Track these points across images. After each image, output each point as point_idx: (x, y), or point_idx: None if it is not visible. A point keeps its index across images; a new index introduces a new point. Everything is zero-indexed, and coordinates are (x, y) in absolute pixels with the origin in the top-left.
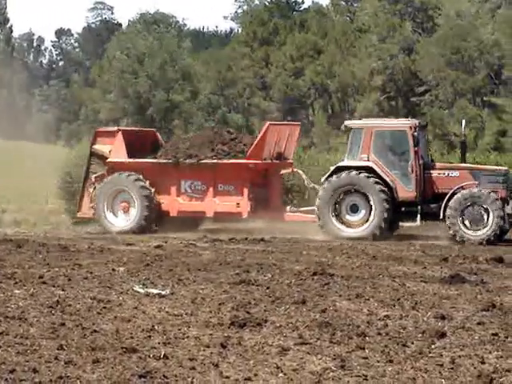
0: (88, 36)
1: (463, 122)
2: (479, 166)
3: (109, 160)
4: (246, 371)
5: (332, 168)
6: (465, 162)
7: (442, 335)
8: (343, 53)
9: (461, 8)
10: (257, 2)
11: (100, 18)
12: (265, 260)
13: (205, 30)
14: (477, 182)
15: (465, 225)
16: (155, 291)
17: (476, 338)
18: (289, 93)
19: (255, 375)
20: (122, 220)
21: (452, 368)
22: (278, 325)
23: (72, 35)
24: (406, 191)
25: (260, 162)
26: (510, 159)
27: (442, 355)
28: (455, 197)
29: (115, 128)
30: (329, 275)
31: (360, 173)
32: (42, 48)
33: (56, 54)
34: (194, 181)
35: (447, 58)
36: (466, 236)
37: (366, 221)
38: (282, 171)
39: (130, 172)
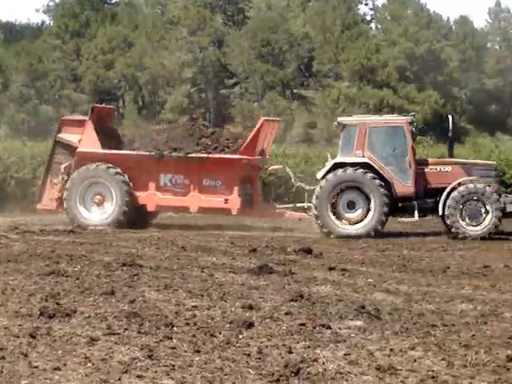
0: None
1: (450, 117)
2: (470, 160)
3: (79, 150)
4: (55, 361)
5: (329, 165)
6: (452, 157)
7: (250, 325)
8: (154, 45)
9: (271, 1)
10: None
11: None
12: (75, 251)
13: (17, 22)
14: (474, 178)
15: (464, 220)
16: None
17: (283, 327)
18: (99, 85)
19: (64, 365)
20: (96, 214)
21: (259, 358)
22: (87, 315)
23: None
24: (404, 186)
25: (253, 157)
26: (318, 151)
27: (249, 345)
28: (455, 192)
29: (84, 117)
30: (138, 266)
31: (358, 169)
32: None
33: None
34: (175, 175)
35: (257, 50)
36: (465, 231)
37: (365, 217)
38: (272, 167)
39: (106, 163)
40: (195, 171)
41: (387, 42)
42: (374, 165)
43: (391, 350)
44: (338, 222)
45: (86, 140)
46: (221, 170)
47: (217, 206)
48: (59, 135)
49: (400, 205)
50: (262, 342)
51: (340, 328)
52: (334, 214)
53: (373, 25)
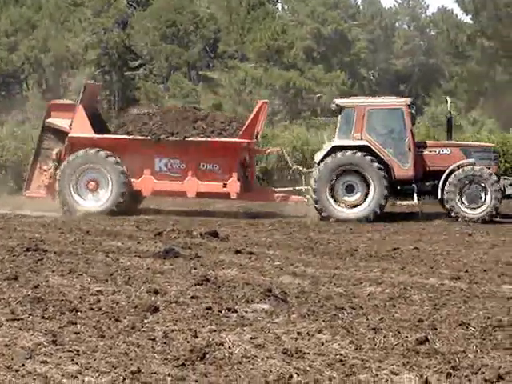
0: None
1: (448, 99)
2: (469, 142)
3: (71, 135)
4: None
5: (327, 148)
6: (451, 140)
7: (155, 310)
8: (57, 27)
9: None
10: None
11: None
12: None
13: None
14: (473, 160)
15: (463, 203)
16: None
17: (189, 312)
18: (3, 68)
19: None
20: (91, 200)
21: (165, 342)
22: None
23: None
24: (403, 169)
25: (251, 140)
26: None
27: (154, 329)
28: (453, 175)
29: (72, 102)
30: (42, 251)
31: (357, 152)
32: None
33: None
34: (171, 159)
35: (162, 31)
36: (464, 214)
37: (364, 200)
38: (269, 150)
39: (100, 149)
40: (192, 155)
41: (294, 23)
42: (373, 148)
43: (298, 333)
44: (336, 206)
45: (78, 124)
46: (220, 154)
47: (215, 190)
48: (48, 120)
49: (399, 188)
50: (167, 327)
51: (246, 312)
52: (333, 197)
53: (279, 5)
